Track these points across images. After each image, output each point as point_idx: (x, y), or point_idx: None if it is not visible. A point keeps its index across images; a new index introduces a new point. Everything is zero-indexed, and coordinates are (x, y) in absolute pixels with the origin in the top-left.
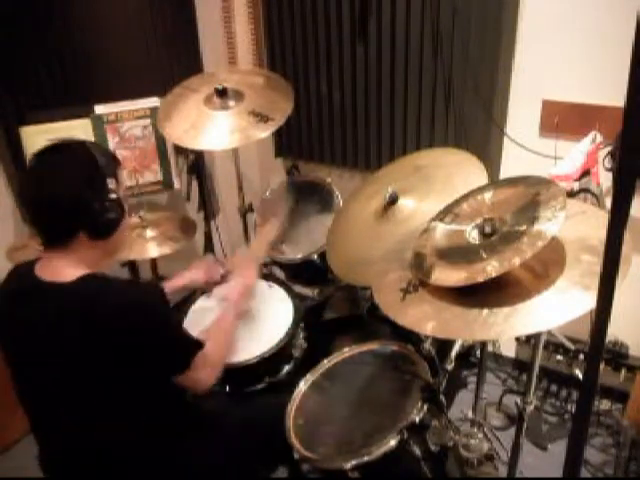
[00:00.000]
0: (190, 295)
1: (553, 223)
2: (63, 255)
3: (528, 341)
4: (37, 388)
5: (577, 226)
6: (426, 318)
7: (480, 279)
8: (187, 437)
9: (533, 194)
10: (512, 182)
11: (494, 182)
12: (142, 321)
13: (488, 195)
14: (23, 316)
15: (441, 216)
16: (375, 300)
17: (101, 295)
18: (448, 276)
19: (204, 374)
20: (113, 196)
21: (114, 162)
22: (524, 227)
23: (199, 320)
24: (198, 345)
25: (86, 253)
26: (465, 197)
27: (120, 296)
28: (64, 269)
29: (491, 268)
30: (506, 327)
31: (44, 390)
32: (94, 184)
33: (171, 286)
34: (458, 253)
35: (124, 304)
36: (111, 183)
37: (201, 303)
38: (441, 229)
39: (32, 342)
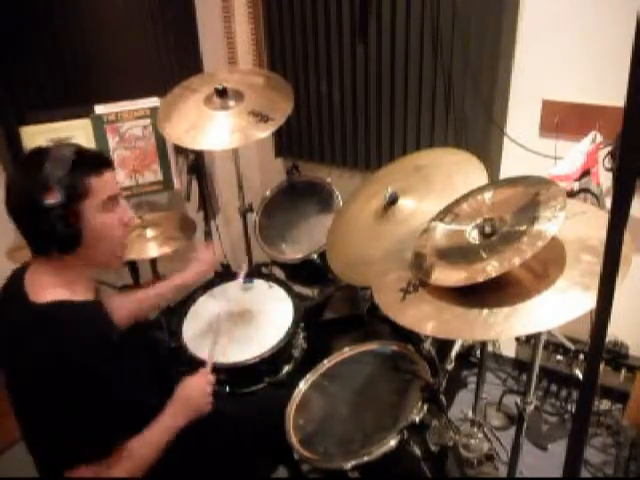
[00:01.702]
0: (190, 295)
1: (553, 223)
2: (44, 264)
3: (528, 341)
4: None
5: (577, 226)
6: (426, 318)
7: (480, 279)
8: (187, 437)
9: (533, 194)
10: (512, 182)
11: (494, 182)
12: (58, 380)
13: (488, 195)
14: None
15: (441, 216)
16: (375, 300)
17: (40, 332)
18: (448, 276)
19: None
20: (55, 210)
21: (81, 166)
22: (524, 227)
23: (199, 320)
24: (101, 451)
25: (63, 268)
26: (465, 197)
27: (55, 344)
28: (43, 284)
29: (491, 268)
30: (506, 327)
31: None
32: (31, 199)
33: (181, 282)
34: (458, 253)
35: (53, 353)
36: (55, 199)
37: (201, 303)
38: (441, 229)
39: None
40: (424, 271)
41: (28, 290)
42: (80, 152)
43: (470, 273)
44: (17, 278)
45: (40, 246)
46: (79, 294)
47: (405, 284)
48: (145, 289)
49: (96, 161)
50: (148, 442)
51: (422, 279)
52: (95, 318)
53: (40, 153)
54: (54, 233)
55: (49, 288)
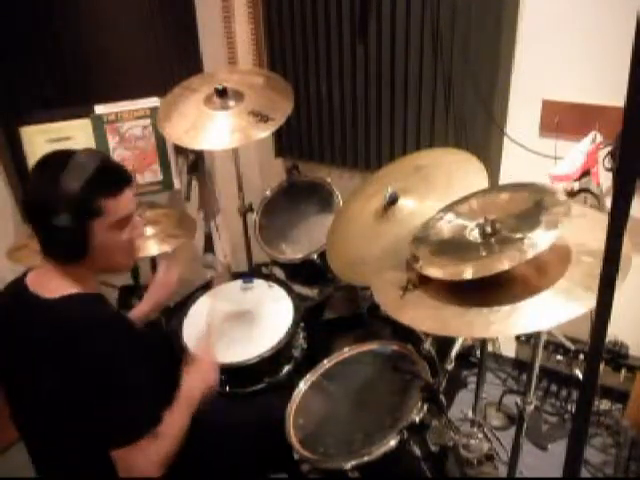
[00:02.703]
0: (190, 295)
1: (552, 231)
2: (53, 267)
3: (528, 341)
4: (13, 399)
5: (577, 228)
6: (425, 316)
7: (467, 276)
8: (186, 437)
9: (537, 200)
10: (517, 187)
11: (500, 185)
12: (94, 361)
13: (493, 197)
14: (10, 327)
15: (445, 211)
16: (375, 299)
17: (69, 322)
18: (437, 268)
19: (144, 462)
20: (63, 229)
21: (99, 186)
22: (523, 232)
23: (199, 320)
24: (152, 423)
25: (73, 268)
26: (471, 196)
27: (86, 327)
28: (53, 282)
29: (475, 270)
30: (506, 326)
31: (18, 402)
32: (44, 213)
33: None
34: (455, 248)
35: (87, 333)
36: (64, 219)
37: (201, 303)
38: (443, 223)
39: (12, 354)
40: (418, 260)
41: (36, 291)
42: (102, 167)
43: (459, 269)
44: (16, 286)
45: (48, 250)
46: (88, 289)
47: (404, 282)
48: None
49: (116, 178)
50: (180, 411)
51: (414, 265)
52: (109, 305)
53: (61, 159)
54: (61, 243)
55: (59, 285)
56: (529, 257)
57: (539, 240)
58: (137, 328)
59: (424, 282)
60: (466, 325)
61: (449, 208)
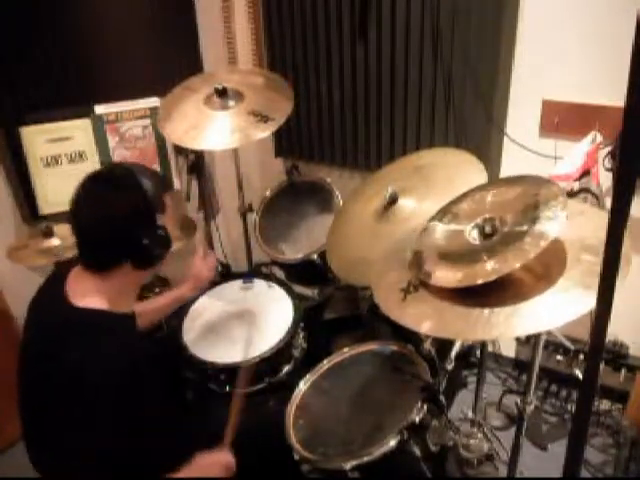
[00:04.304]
0: None
1: (554, 223)
2: (95, 278)
3: (528, 341)
4: (22, 389)
5: (577, 226)
6: (427, 318)
7: (480, 280)
8: (186, 437)
9: (533, 194)
10: (511, 181)
11: (493, 181)
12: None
13: (487, 194)
14: (38, 321)
15: (440, 216)
16: (375, 300)
17: (82, 337)
18: (448, 277)
19: None
20: (161, 232)
21: (162, 188)
22: (525, 227)
23: (199, 320)
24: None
25: (120, 280)
26: (464, 196)
27: (105, 345)
28: (87, 292)
29: (492, 270)
30: (507, 327)
31: (30, 401)
32: (143, 219)
33: (179, 295)
34: (458, 253)
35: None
36: (160, 218)
37: (201, 303)
38: (440, 229)
39: (30, 348)
40: (425, 272)
41: (73, 298)
42: (148, 168)
43: (470, 274)
44: (59, 286)
45: (111, 263)
46: (121, 306)
47: (405, 284)
48: (142, 303)
49: (162, 177)
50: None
51: (422, 279)
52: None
53: (127, 173)
54: (150, 250)
55: (95, 295)
56: (540, 249)
57: (546, 229)
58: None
59: (425, 284)
60: (468, 327)
61: (443, 213)
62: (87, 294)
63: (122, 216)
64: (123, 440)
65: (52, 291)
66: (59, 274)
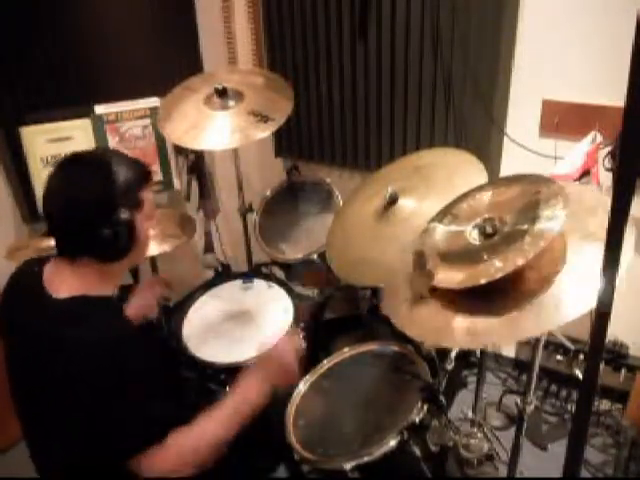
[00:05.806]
0: (190, 295)
1: (555, 222)
2: (69, 266)
3: (528, 341)
4: (17, 393)
5: (577, 225)
6: (433, 328)
7: (483, 280)
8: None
9: (533, 192)
10: (511, 181)
11: (492, 181)
12: (104, 365)
13: (487, 194)
14: (21, 321)
15: (440, 217)
16: (383, 310)
17: (75, 325)
18: (451, 278)
19: (162, 465)
20: (122, 227)
21: (139, 183)
22: (525, 226)
23: (199, 320)
24: (159, 432)
25: (93, 269)
26: (463, 197)
27: (91, 333)
28: (65, 282)
29: (494, 269)
30: (512, 330)
31: (21, 398)
32: (103, 210)
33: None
34: (460, 254)
35: (91, 342)
36: (124, 212)
37: (201, 303)
38: (441, 230)
39: (20, 350)
40: (427, 273)
41: (50, 288)
42: (131, 161)
43: (473, 274)
44: (35, 275)
45: (87, 250)
46: (104, 290)
47: (412, 293)
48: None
49: (144, 170)
50: (213, 418)
51: (425, 281)
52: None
53: (87, 159)
54: (113, 239)
55: (71, 284)
56: (541, 248)
57: (548, 226)
58: (141, 336)
59: (431, 293)
60: (472, 334)
61: (443, 214)
62: (65, 283)
63: (84, 202)
64: (122, 437)
65: (29, 290)
66: (28, 272)
